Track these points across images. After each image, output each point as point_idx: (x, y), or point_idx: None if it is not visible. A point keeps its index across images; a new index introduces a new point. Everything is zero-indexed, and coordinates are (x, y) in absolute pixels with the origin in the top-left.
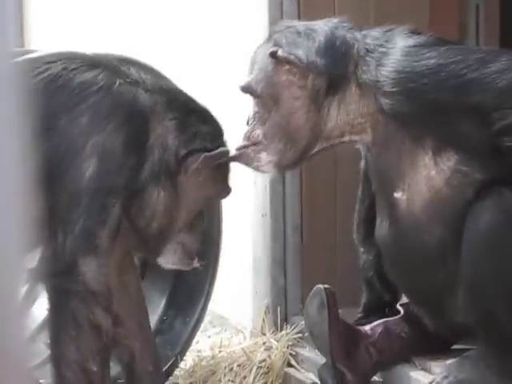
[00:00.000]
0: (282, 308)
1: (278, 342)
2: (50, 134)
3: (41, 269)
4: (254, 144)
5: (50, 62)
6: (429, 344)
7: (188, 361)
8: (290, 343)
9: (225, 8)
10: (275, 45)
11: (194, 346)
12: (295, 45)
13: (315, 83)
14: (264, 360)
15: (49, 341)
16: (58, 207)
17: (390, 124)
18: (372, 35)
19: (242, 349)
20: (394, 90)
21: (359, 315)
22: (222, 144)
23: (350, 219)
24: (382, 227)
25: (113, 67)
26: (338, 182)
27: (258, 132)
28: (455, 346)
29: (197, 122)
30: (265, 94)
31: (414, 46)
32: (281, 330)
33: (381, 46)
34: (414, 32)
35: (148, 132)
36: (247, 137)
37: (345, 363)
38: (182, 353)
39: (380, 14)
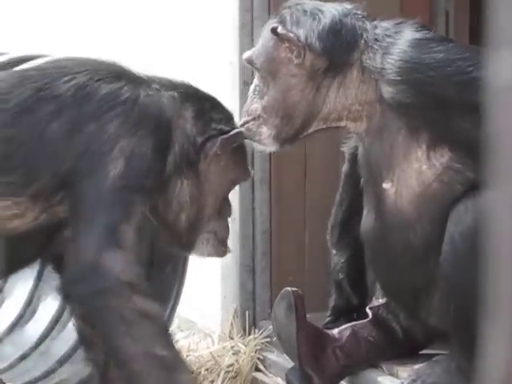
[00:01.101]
0: (250, 312)
1: (246, 346)
2: (78, 139)
3: (68, 278)
4: (254, 118)
5: (77, 72)
6: (396, 348)
7: None
8: (258, 347)
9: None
10: (279, 21)
11: None
12: (298, 23)
13: (314, 63)
14: (232, 364)
15: (105, 348)
16: (81, 210)
17: (388, 113)
18: (382, 26)
19: (210, 353)
20: (398, 78)
21: (328, 319)
22: (235, 127)
23: (319, 224)
24: (367, 219)
25: (134, 77)
26: (307, 186)
27: (257, 106)
28: (423, 351)
29: (210, 109)
30: (264, 69)
31: (423, 39)
32: (249, 335)
33: (389, 36)
34: (423, 27)
35: (171, 131)
36: (247, 110)
37: (312, 366)
38: None
39: None
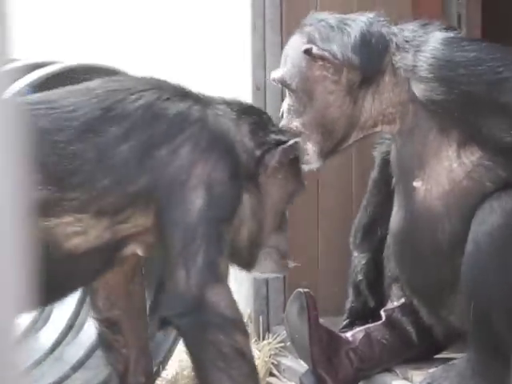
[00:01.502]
0: (264, 317)
1: (260, 351)
2: (150, 163)
3: (164, 311)
4: (296, 136)
5: (143, 91)
6: (410, 352)
7: (170, 370)
8: (272, 352)
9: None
10: (309, 41)
11: (175, 356)
12: (329, 40)
13: (349, 77)
14: None
15: (197, 377)
16: (170, 243)
17: (420, 112)
18: (409, 28)
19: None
20: (430, 75)
21: (344, 322)
22: (291, 138)
23: (332, 227)
24: (396, 216)
25: (198, 96)
26: (320, 188)
27: (296, 124)
28: (438, 356)
29: (265, 122)
30: (299, 89)
31: (454, 38)
32: (263, 340)
33: (420, 36)
34: (451, 28)
35: (236, 148)
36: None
37: (325, 368)
38: (164, 362)
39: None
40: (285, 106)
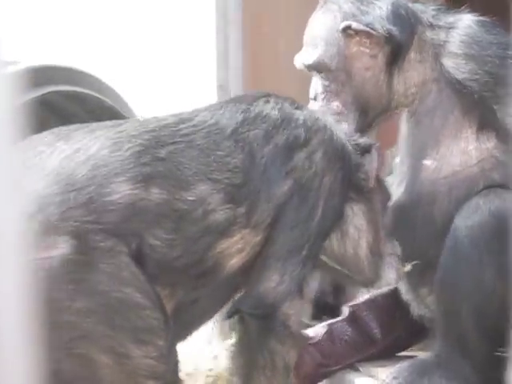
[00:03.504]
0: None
1: (225, 350)
2: (288, 165)
3: (245, 307)
4: (336, 116)
5: (271, 97)
6: (373, 348)
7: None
8: (231, 354)
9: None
10: (343, 18)
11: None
12: (363, 14)
13: (385, 51)
14: (211, 369)
15: (242, 378)
16: (275, 245)
17: (443, 92)
18: (434, 8)
19: (190, 357)
20: (459, 52)
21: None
22: (364, 138)
23: None
24: (397, 190)
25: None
26: None
27: (336, 103)
28: (401, 354)
29: (337, 124)
30: (338, 68)
31: (486, 21)
32: (228, 339)
33: (450, 15)
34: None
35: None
36: (323, 112)
37: None
38: None
39: None
40: (318, 88)
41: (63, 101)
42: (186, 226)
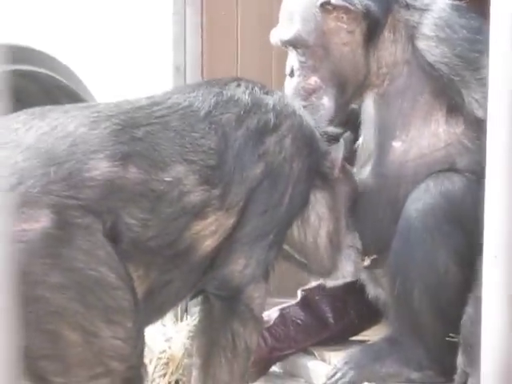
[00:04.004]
0: None
1: (178, 332)
2: (260, 149)
3: (211, 288)
4: (314, 91)
5: (242, 81)
6: (326, 332)
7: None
8: (191, 334)
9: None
10: None
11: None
12: None
13: (362, 27)
14: (164, 351)
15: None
16: (245, 229)
17: (414, 74)
18: None
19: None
20: (432, 34)
21: None
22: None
23: None
24: (363, 170)
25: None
26: None
27: (314, 79)
28: (354, 338)
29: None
30: (316, 44)
31: (460, 6)
32: (181, 321)
33: None
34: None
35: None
36: (301, 87)
37: None
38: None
39: None
40: (295, 64)
41: (20, 80)
42: (161, 207)
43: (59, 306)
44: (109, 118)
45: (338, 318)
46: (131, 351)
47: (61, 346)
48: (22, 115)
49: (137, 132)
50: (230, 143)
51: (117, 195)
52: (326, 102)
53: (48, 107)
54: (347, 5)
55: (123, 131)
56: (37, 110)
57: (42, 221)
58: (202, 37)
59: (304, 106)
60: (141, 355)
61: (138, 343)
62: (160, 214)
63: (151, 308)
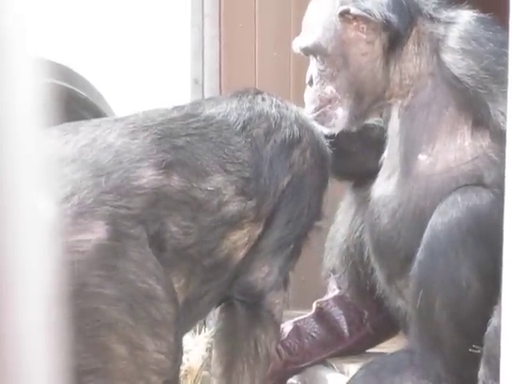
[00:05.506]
0: None
1: (196, 345)
2: (287, 161)
3: (235, 293)
4: (329, 101)
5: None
6: (341, 345)
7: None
8: (209, 346)
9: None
10: (342, 3)
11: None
12: (362, 0)
13: (382, 38)
14: (182, 363)
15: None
16: (269, 238)
17: (439, 86)
18: (434, 0)
19: None
20: (457, 47)
21: None
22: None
23: None
24: (384, 182)
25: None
26: None
27: (330, 88)
28: (370, 350)
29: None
30: (334, 52)
31: (486, 18)
32: (199, 333)
33: (451, 10)
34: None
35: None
36: (317, 96)
37: None
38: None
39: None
40: (314, 72)
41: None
42: (202, 215)
43: (111, 318)
44: (146, 129)
45: (353, 330)
46: (172, 365)
47: (107, 360)
48: (54, 130)
49: (177, 141)
50: (263, 156)
51: (162, 203)
52: (340, 112)
53: (77, 122)
54: (366, 15)
55: (164, 140)
56: (67, 125)
57: (97, 232)
58: (219, 49)
59: (317, 116)
60: (178, 370)
61: (177, 357)
62: (201, 222)
63: (186, 320)
